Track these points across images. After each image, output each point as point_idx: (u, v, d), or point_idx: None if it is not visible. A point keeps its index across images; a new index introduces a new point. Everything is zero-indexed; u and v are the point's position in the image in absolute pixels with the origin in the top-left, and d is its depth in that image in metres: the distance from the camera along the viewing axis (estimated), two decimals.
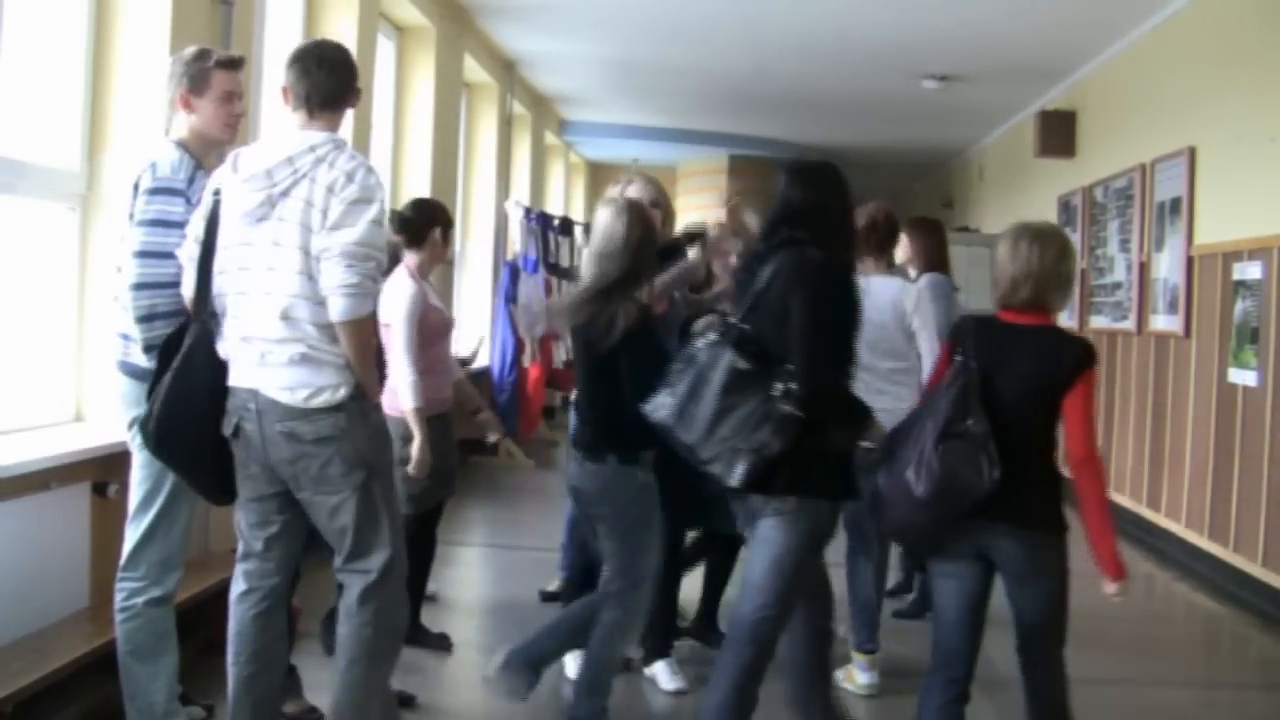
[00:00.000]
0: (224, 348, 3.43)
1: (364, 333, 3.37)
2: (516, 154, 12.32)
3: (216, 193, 3.40)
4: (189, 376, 3.42)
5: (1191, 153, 7.53)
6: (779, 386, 3.30)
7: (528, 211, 11.04)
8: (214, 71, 3.68)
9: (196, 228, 3.44)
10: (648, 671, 4.81)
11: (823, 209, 3.54)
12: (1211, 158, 7.34)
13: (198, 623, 4.65)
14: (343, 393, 3.35)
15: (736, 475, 3.32)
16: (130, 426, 3.66)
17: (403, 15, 8.44)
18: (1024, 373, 3.34)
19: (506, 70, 11.21)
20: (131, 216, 3.60)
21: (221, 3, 5.21)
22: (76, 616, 4.25)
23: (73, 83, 4.74)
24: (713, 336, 3.44)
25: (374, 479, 3.43)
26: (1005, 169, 13.21)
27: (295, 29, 6.90)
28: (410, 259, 4.86)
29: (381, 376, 3.94)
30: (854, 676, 4.82)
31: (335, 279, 3.26)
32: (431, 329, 4.81)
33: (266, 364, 3.35)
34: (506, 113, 11.33)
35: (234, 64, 3.76)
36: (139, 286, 3.51)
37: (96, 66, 4.81)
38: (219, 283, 3.41)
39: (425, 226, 4.90)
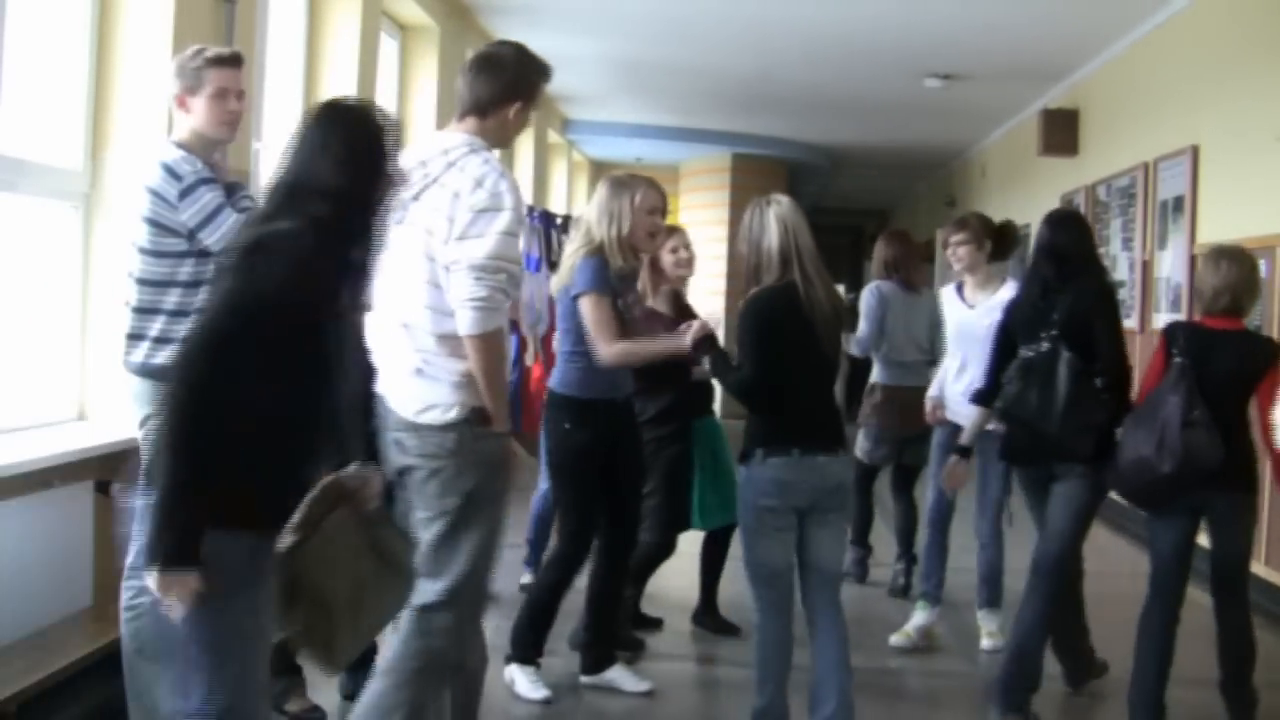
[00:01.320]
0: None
1: (493, 349, 3.24)
2: (519, 152, 12.31)
3: None
4: None
5: (1194, 151, 7.52)
6: (1099, 380, 4.37)
7: (530, 210, 11.03)
8: (207, 69, 3.66)
9: None
10: (604, 678, 4.77)
11: (1082, 245, 4.71)
12: (1214, 156, 7.33)
13: None
14: (454, 413, 3.25)
15: (1088, 449, 4.33)
16: (142, 425, 3.66)
17: (406, 14, 8.43)
18: (1228, 369, 4.22)
19: None
20: (154, 222, 3.60)
21: (224, 1, 5.21)
22: (79, 616, 4.25)
23: (75, 81, 4.74)
24: (1045, 347, 4.42)
25: (469, 508, 3.28)
26: (1008, 168, 13.20)
27: (299, 27, 6.90)
28: None
29: None
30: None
31: (463, 292, 3.18)
32: None
33: (390, 372, 3.32)
34: None
35: (226, 61, 3.70)
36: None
37: (99, 65, 4.81)
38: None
39: None
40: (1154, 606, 4.44)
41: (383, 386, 3.34)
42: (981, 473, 5.49)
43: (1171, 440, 4.13)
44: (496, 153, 3.43)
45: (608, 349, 4.35)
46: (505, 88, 3.38)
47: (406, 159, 3.24)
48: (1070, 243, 4.68)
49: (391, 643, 3.39)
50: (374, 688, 3.35)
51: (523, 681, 4.59)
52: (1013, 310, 4.81)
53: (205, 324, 2.57)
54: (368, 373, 3.25)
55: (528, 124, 3.56)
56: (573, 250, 4.57)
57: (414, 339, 3.26)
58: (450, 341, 3.22)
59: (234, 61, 3.74)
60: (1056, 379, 4.36)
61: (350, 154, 2.68)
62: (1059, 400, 4.35)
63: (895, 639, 5.67)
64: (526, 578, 6.22)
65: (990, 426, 5.40)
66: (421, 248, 3.24)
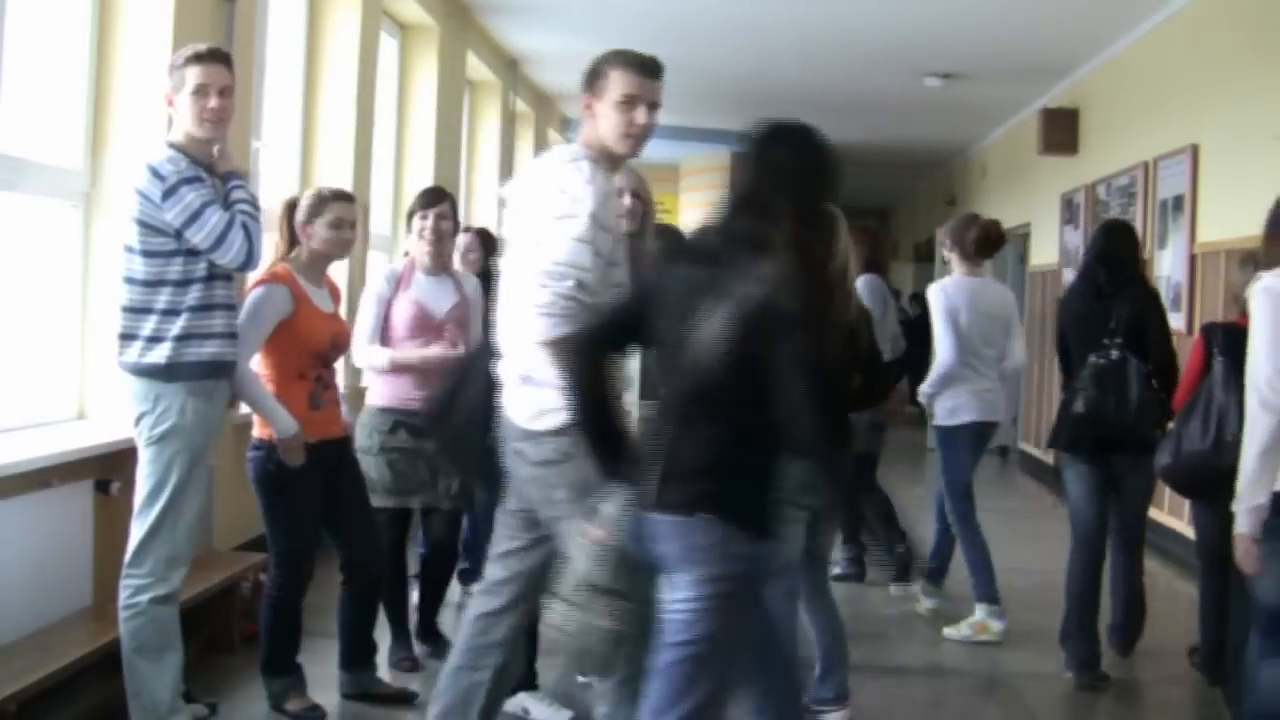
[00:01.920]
0: None
1: (562, 355, 3.11)
2: (519, 151, 12.31)
3: None
4: None
5: (1194, 150, 7.52)
6: (1154, 382, 4.83)
7: None
8: (186, 67, 3.66)
9: None
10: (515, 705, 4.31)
11: (1136, 252, 5.15)
12: (1214, 155, 7.33)
13: (201, 621, 4.66)
14: (552, 420, 3.17)
15: (1156, 440, 4.65)
16: (137, 423, 3.66)
17: (406, 13, 8.44)
18: None
19: (509, 68, 11.21)
20: (142, 223, 3.61)
21: (224, 1, 5.21)
22: (79, 615, 4.25)
23: (75, 80, 4.74)
24: (1115, 355, 4.82)
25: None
26: (1008, 167, 13.20)
27: (299, 27, 6.90)
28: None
29: None
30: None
31: (533, 298, 3.15)
32: (399, 322, 4.68)
33: (505, 382, 3.31)
34: (509, 110, 11.33)
35: (204, 57, 3.68)
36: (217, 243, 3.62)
37: (99, 64, 4.81)
38: None
39: (409, 217, 4.85)
40: (1208, 589, 4.76)
41: (504, 398, 3.33)
42: (946, 461, 5.75)
43: (1232, 438, 4.24)
44: (585, 165, 3.29)
45: None
46: (585, 88, 3.38)
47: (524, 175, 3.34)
48: (1126, 251, 5.09)
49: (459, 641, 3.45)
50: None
51: (540, 709, 4.32)
52: (1063, 313, 5.19)
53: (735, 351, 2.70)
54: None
55: (631, 119, 3.43)
56: None
57: (519, 348, 3.24)
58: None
59: (213, 58, 3.71)
60: (1129, 385, 4.82)
61: (806, 171, 2.95)
62: (1133, 404, 4.80)
63: (950, 631, 5.64)
64: None
65: (943, 421, 5.66)
66: (519, 259, 3.27)
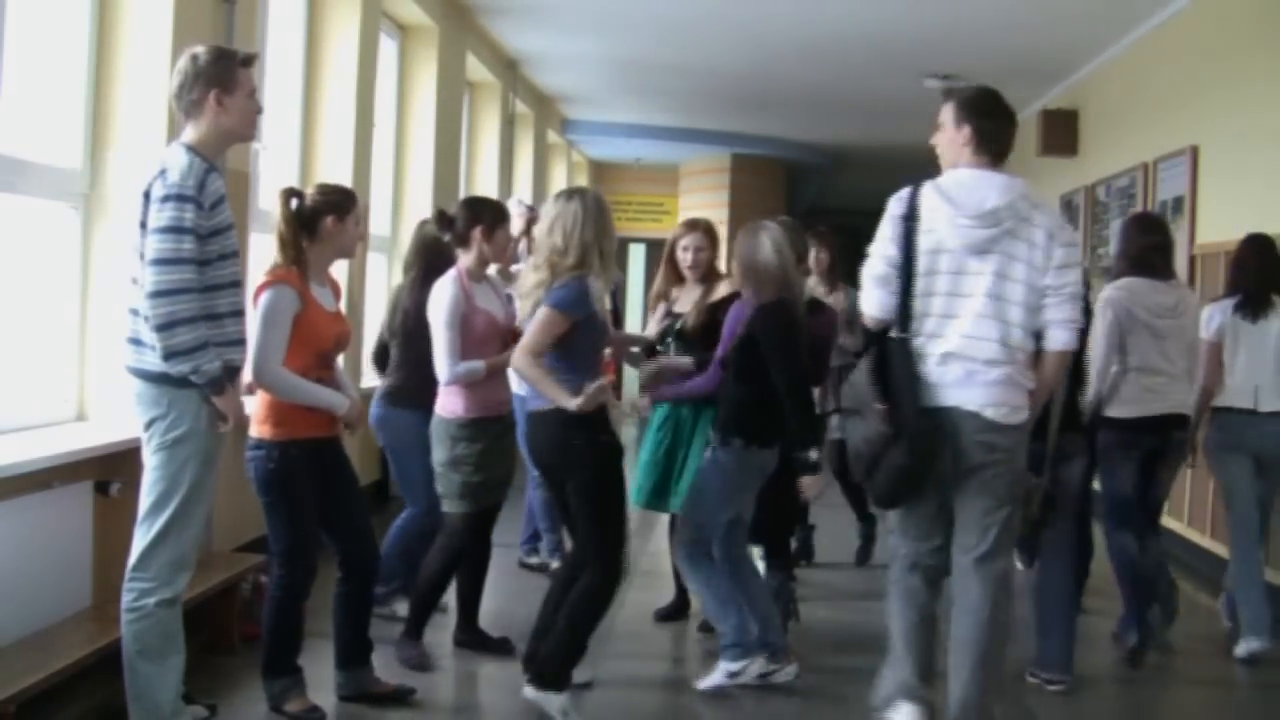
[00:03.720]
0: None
1: (1066, 362, 3.88)
2: (519, 153, 12.32)
3: (908, 218, 3.93)
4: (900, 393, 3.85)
5: (1194, 151, 7.52)
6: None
7: (530, 210, 11.03)
8: (241, 69, 3.72)
9: (890, 251, 3.88)
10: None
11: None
12: (1213, 156, 7.33)
13: (201, 622, 4.65)
14: (1023, 414, 3.75)
15: None
16: (146, 428, 3.64)
17: (405, 14, 8.44)
18: None
19: (509, 69, 11.22)
20: (143, 225, 3.58)
21: (224, 1, 5.21)
22: (79, 616, 4.25)
23: (75, 81, 4.75)
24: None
25: (1020, 490, 3.83)
26: (1008, 167, 13.19)
27: (298, 28, 6.91)
28: (461, 261, 4.82)
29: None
30: None
31: (1063, 314, 3.72)
32: (479, 333, 4.74)
33: (972, 382, 3.70)
34: (509, 112, 11.33)
35: (253, 61, 3.82)
36: (156, 294, 3.46)
37: (99, 65, 4.81)
38: (921, 305, 3.76)
39: (467, 227, 4.82)
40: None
41: (956, 397, 3.70)
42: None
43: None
44: None
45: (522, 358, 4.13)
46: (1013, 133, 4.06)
47: (989, 198, 3.80)
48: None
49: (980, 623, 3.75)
50: (982, 648, 3.74)
51: (558, 701, 4.21)
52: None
53: None
54: None
55: None
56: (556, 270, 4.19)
57: (1008, 353, 3.70)
58: (1029, 354, 3.75)
59: (254, 62, 3.85)
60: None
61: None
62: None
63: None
64: (534, 559, 6.54)
65: None
66: (1021, 276, 3.70)
